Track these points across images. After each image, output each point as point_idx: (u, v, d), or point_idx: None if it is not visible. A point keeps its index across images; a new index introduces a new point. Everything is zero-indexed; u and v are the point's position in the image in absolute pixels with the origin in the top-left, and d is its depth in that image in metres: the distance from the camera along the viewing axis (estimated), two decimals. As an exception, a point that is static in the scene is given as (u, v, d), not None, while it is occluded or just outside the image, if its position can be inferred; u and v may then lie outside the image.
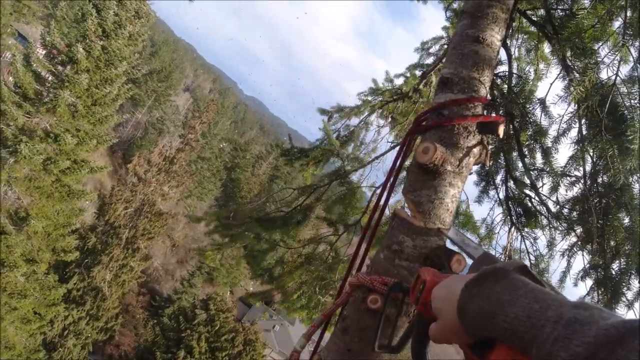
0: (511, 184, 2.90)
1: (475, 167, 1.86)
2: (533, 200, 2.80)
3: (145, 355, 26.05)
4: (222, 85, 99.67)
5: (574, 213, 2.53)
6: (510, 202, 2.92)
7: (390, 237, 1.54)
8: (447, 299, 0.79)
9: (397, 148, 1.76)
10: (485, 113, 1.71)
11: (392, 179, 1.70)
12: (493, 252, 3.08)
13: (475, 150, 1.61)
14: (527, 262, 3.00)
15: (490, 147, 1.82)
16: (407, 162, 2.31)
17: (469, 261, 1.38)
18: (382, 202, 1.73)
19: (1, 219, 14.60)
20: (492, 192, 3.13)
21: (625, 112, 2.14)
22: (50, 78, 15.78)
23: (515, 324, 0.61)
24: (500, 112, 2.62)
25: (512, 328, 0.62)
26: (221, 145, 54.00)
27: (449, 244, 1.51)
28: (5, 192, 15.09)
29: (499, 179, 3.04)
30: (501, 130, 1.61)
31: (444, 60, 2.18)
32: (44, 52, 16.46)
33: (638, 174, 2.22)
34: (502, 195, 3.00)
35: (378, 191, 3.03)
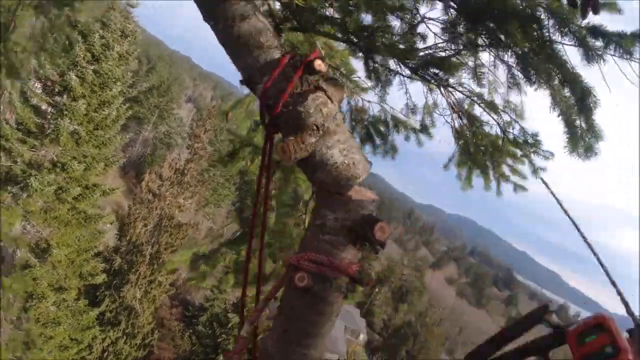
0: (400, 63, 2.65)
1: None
2: (429, 50, 2.48)
3: (186, 364, 26.61)
4: (224, 91, 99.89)
5: (460, 28, 2.25)
6: (420, 71, 2.65)
7: (315, 213, 1.53)
8: None
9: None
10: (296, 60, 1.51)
11: (264, 180, 1.72)
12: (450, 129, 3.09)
13: (323, 98, 1.51)
14: (477, 108, 2.95)
15: (337, 73, 1.67)
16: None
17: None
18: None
19: (23, 254, 14.98)
20: (397, 80, 2.92)
21: None
22: (49, 110, 16.05)
23: None
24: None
25: None
26: (230, 150, 54.22)
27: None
28: (24, 227, 15.46)
29: (391, 65, 2.77)
30: (320, 64, 1.49)
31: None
32: (39, 85, 16.72)
33: None
34: (406, 72, 2.76)
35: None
